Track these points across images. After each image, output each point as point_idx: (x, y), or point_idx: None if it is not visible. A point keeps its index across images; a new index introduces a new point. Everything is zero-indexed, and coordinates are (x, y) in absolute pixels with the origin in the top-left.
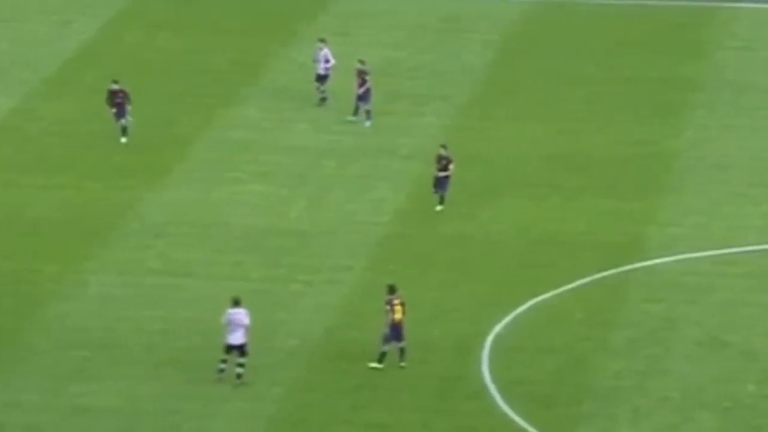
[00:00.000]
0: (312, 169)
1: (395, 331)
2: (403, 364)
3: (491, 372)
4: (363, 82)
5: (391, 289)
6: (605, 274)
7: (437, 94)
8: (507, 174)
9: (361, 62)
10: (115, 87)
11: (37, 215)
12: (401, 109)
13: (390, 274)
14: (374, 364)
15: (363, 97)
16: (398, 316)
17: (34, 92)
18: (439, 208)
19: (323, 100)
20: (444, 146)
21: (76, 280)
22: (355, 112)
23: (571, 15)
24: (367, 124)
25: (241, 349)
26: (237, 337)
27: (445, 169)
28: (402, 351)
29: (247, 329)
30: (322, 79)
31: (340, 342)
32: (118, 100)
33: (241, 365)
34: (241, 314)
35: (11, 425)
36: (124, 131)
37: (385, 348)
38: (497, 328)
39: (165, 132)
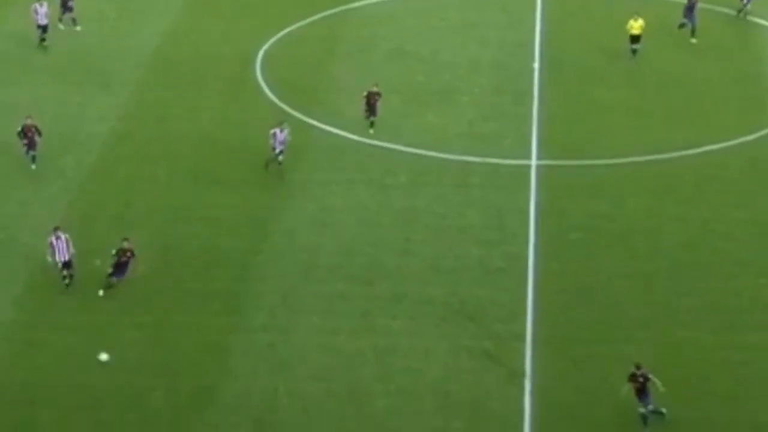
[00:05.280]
0: None
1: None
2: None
3: (263, 75)
4: None
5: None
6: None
7: None
8: None
9: None
10: (29, 122)
11: None
12: None
13: None
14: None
15: None
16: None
17: None
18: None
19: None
20: (377, 83)
21: None
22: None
23: None
24: None
25: None
26: None
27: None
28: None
29: None
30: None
31: None
32: (29, 134)
33: None
34: None
35: None
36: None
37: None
38: (266, 46)
39: None
